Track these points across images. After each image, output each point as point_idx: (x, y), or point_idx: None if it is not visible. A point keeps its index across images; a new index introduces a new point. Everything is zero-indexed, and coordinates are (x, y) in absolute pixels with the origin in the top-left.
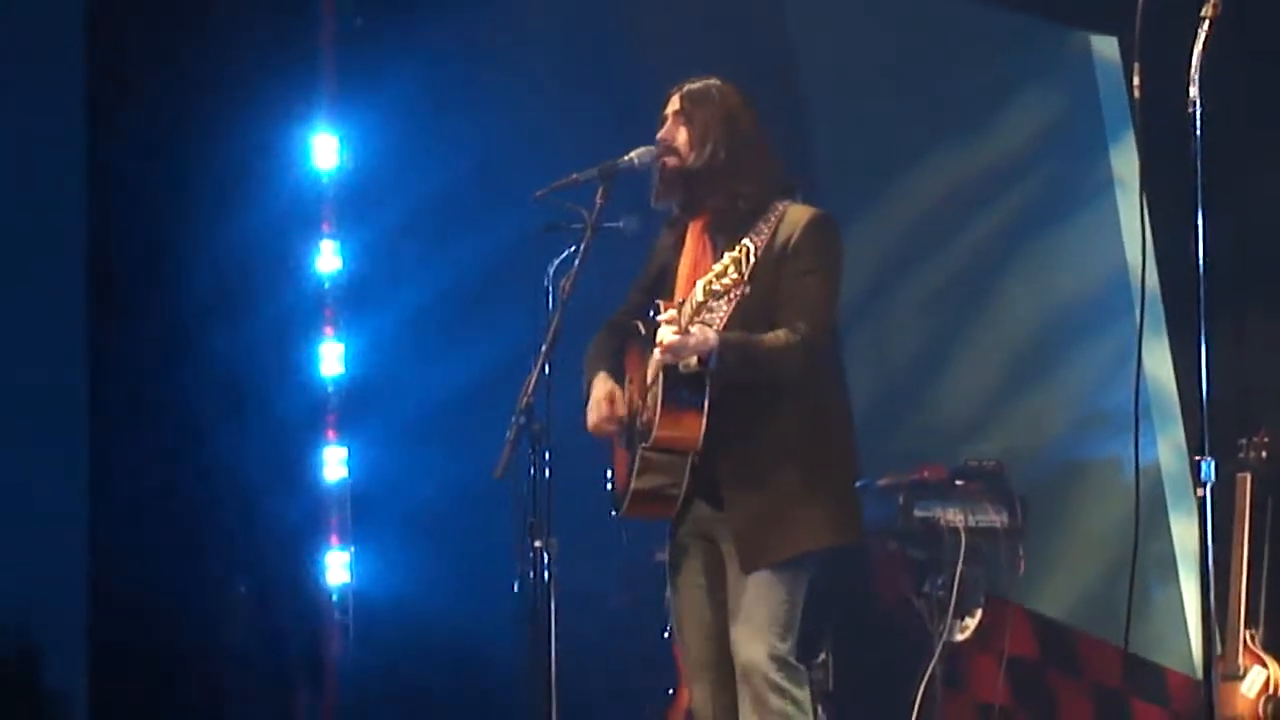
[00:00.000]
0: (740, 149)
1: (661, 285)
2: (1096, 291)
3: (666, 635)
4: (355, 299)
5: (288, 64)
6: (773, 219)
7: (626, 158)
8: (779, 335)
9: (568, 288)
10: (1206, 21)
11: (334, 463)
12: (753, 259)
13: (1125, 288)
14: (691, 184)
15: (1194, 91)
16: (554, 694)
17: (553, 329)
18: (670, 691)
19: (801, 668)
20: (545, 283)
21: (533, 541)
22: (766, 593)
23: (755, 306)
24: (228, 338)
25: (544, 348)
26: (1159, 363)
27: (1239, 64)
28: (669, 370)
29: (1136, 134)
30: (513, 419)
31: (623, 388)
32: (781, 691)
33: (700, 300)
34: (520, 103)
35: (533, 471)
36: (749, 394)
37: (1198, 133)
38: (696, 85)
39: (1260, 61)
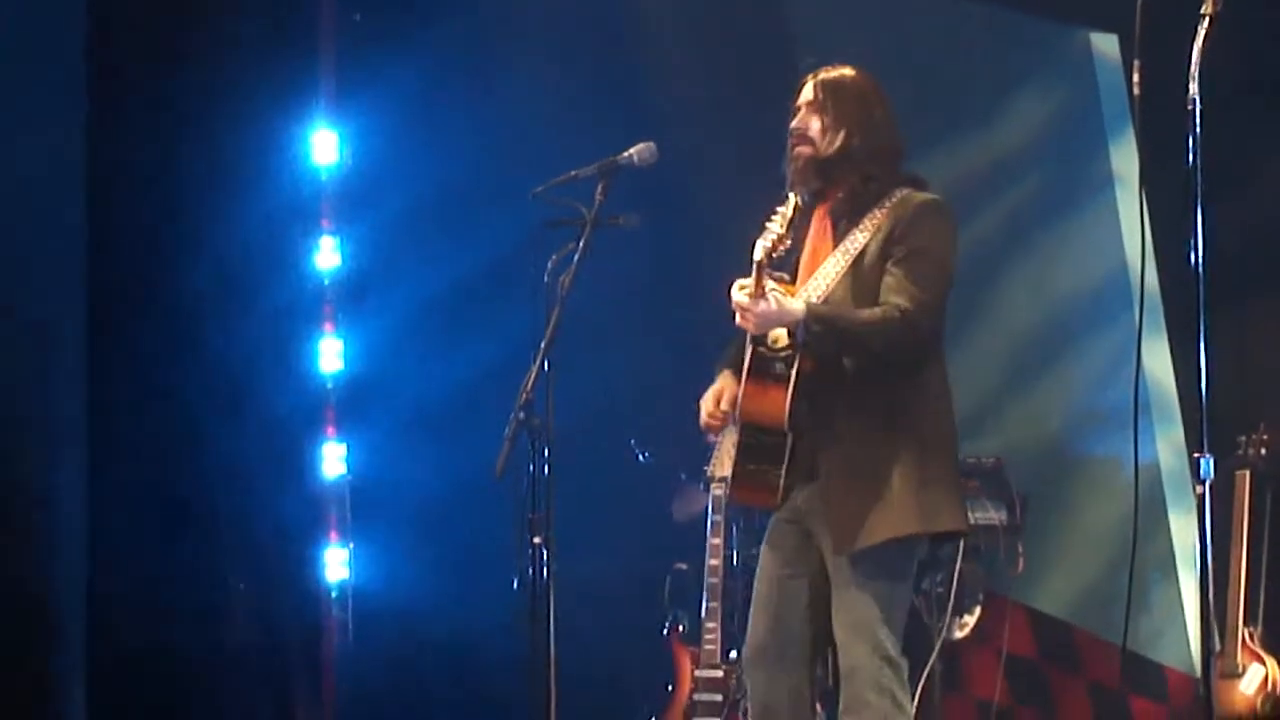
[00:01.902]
0: (872, 136)
1: (792, 275)
2: (1096, 289)
3: (665, 631)
4: (354, 295)
5: (287, 60)
6: (888, 203)
7: (626, 154)
8: (876, 310)
9: (567, 284)
10: (1206, 19)
11: (333, 459)
12: (791, 213)
13: (1125, 285)
14: (825, 171)
15: (1194, 89)
16: (553, 690)
17: (552, 325)
18: (669, 688)
19: (902, 661)
20: (545, 279)
21: (532, 538)
22: (868, 583)
23: (864, 286)
24: (227, 334)
25: (543, 344)
26: (1158, 360)
27: (1239, 61)
28: (756, 344)
29: (1136, 131)
30: (512, 415)
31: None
32: (880, 689)
33: (759, 260)
34: (519, 99)
35: (532, 468)
36: (849, 370)
37: (1197, 130)
38: (831, 74)
39: (1260, 59)
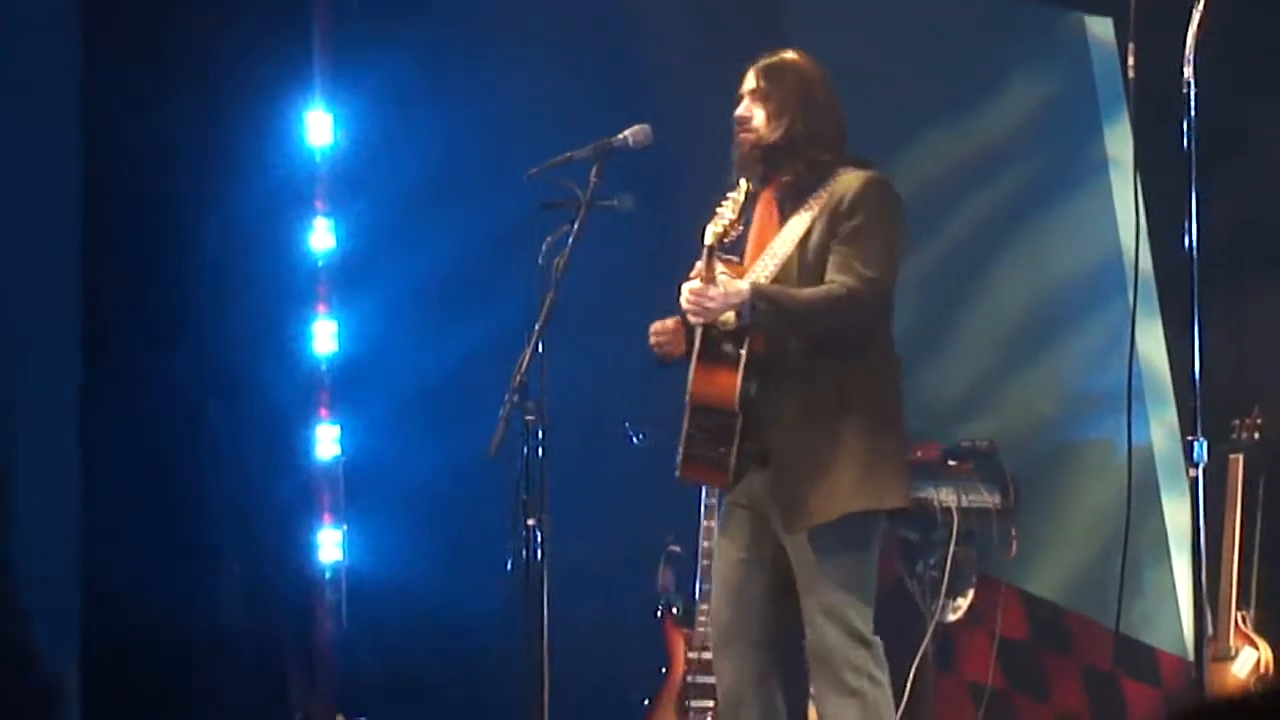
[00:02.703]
0: (816, 120)
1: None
2: (1091, 272)
3: (659, 614)
4: (349, 277)
5: (282, 41)
6: (832, 183)
7: (621, 136)
8: (819, 289)
9: (561, 266)
10: (1201, 2)
11: (327, 441)
12: (742, 199)
13: (1119, 268)
14: (770, 157)
15: (1188, 72)
16: (546, 672)
17: (546, 307)
18: (663, 670)
19: (876, 640)
20: (539, 261)
21: (525, 520)
22: (829, 560)
23: (810, 265)
24: (221, 315)
25: (537, 326)
26: (1152, 344)
27: (1233, 45)
28: (707, 326)
29: (1131, 115)
30: (506, 397)
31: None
32: (856, 669)
33: (709, 244)
34: (515, 80)
35: (526, 450)
36: (797, 349)
37: (1192, 114)
38: (772, 61)
39: (1254, 42)
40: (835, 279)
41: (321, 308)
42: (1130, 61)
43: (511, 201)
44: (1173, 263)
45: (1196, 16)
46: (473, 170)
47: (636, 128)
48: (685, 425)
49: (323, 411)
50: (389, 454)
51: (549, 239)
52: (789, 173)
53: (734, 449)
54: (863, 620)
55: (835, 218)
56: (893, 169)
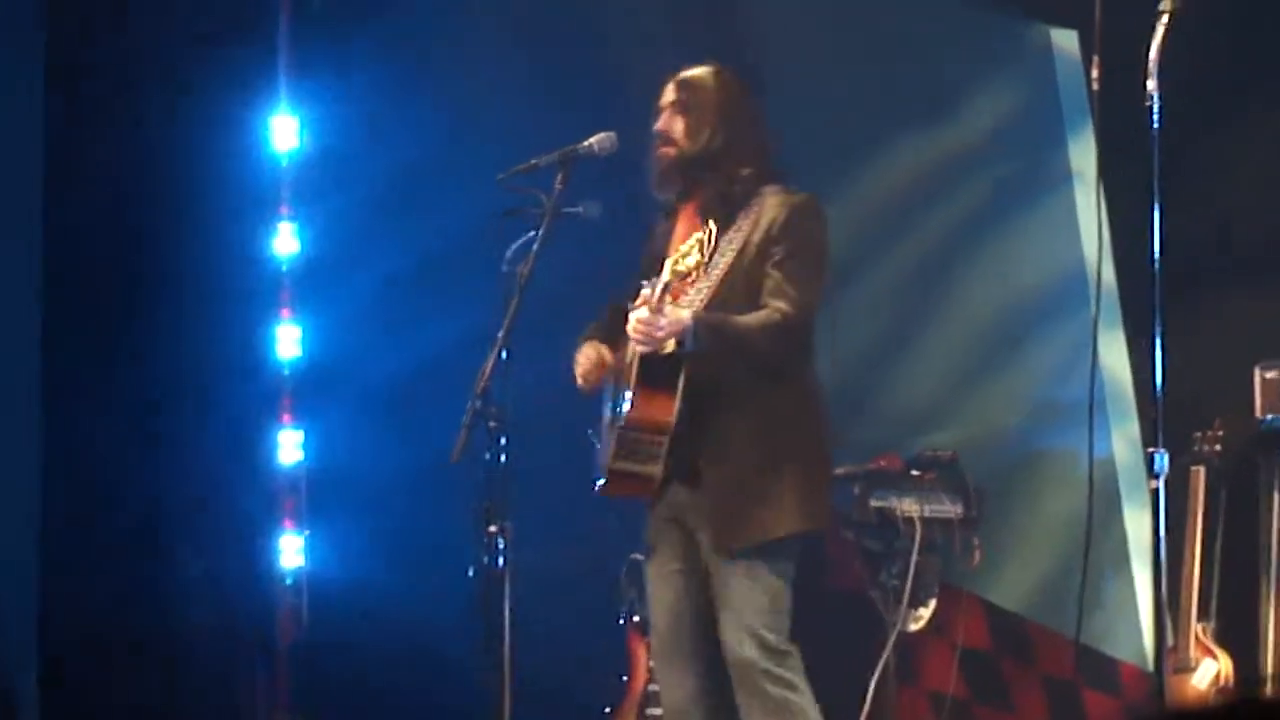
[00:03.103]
0: (737, 133)
1: (652, 271)
2: (1054, 284)
3: (621, 622)
4: (313, 282)
5: (247, 46)
6: (761, 202)
7: (587, 143)
8: (759, 315)
9: (526, 273)
10: (1165, 15)
11: (289, 446)
12: (713, 242)
13: (1083, 280)
14: (689, 171)
15: (1152, 85)
16: (507, 679)
17: (510, 314)
18: (624, 678)
19: (792, 649)
20: (503, 267)
21: (488, 526)
22: (749, 580)
23: (739, 289)
24: (185, 320)
25: (501, 333)
26: (1115, 355)
27: (1197, 58)
28: (642, 351)
29: (1095, 127)
30: (469, 403)
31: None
32: (775, 678)
33: (667, 280)
34: (480, 86)
35: (488, 456)
36: (731, 375)
37: (1155, 127)
38: (692, 73)
39: (1218, 56)
40: (770, 303)
41: (285, 312)
42: (1094, 74)
43: (476, 208)
44: (1135, 275)
45: (1160, 30)
46: (437, 176)
47: (602, 135)
48: (614, 443)
49: (285, 417)
50: (352, 459)
51: (513, 245)
52: (709, 186)
53: (661, 465)
54: (778, 633)
55: (767, 240)
56: (855, 179)
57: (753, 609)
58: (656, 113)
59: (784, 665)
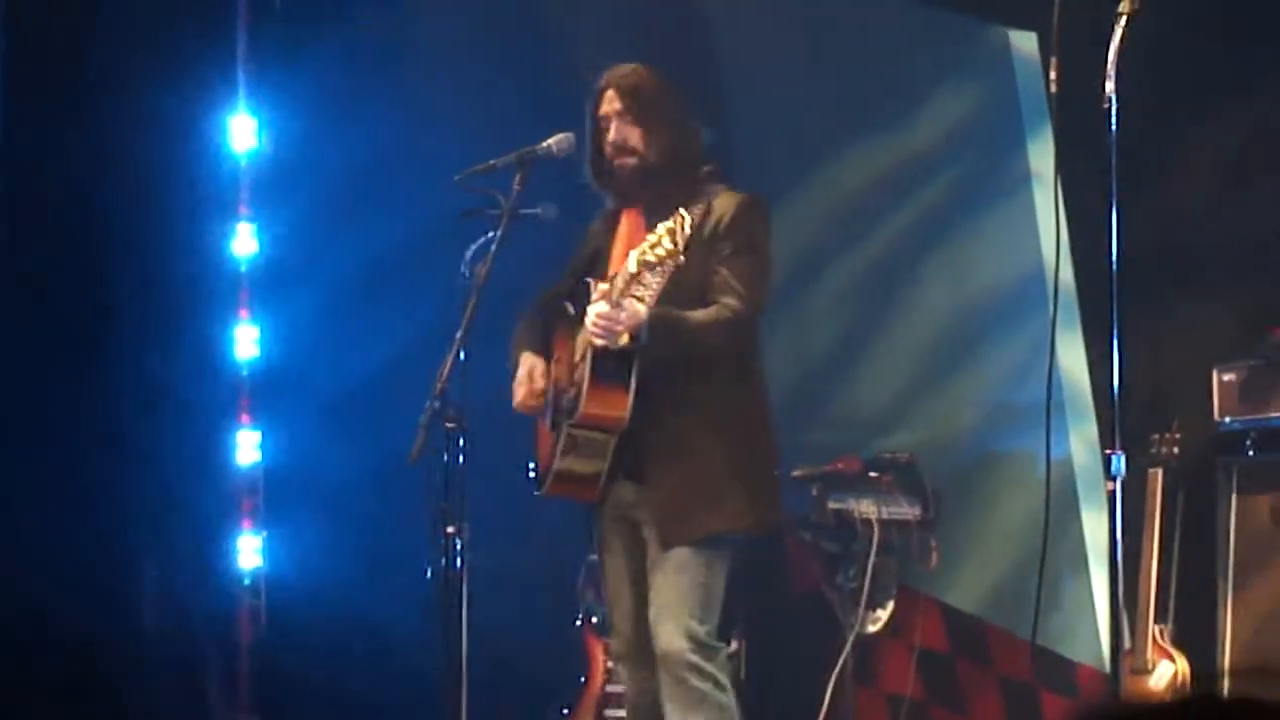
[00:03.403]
0: (685, 133)
1: (594, 269)
2: (1012, 285)
3: (578, 623)
4: (271, 282)
5: (205, 46)
6: (705, 201)
7: (545, 144)
8: (709, 311)
9: (483, 274)
10: (1123, 18)
11: (248, 446)
12: (688, 229)
13: (1041, 282)
14: (654, 179)
15: (1110, 87)
16: (465, 680)
17: (468, 315)
18: (582, 679)
19: (721, 646)
20: (461, 268)
21: (445, 528)
22: (683, 573)
23: (688, 287)
24: (142, 321)
25: (459, 333)
26: (1073, 357)
27: (1155, 60)
28: (596, 346)
29: (1054, 129)
30: (427, 404)
31: (549, 366)
32: (700, 672)
33: (633, 272)
34: (439, 87)
35: (446, 457)
36: (679, 371)
37: (1113, 128)
38: (630, 79)
39: (1175, 58)
40: (720, 300)
41: (244, 313)
42: (1053, 76)
43: (434, 209)
44: (1094, 277)
45: (1119, 32)
46: (396, 177)
47: (560, 136)
48: (560, 443)
49: (244, 417)
50: (310, 460)
51: (471, 247)
52: (668, 191)
53: (607, 465)
54: (706, 626)
55: (715, 238)
56: (814, 179)
57: (682, 601)
58: (599, 118)
59: (711, 660)
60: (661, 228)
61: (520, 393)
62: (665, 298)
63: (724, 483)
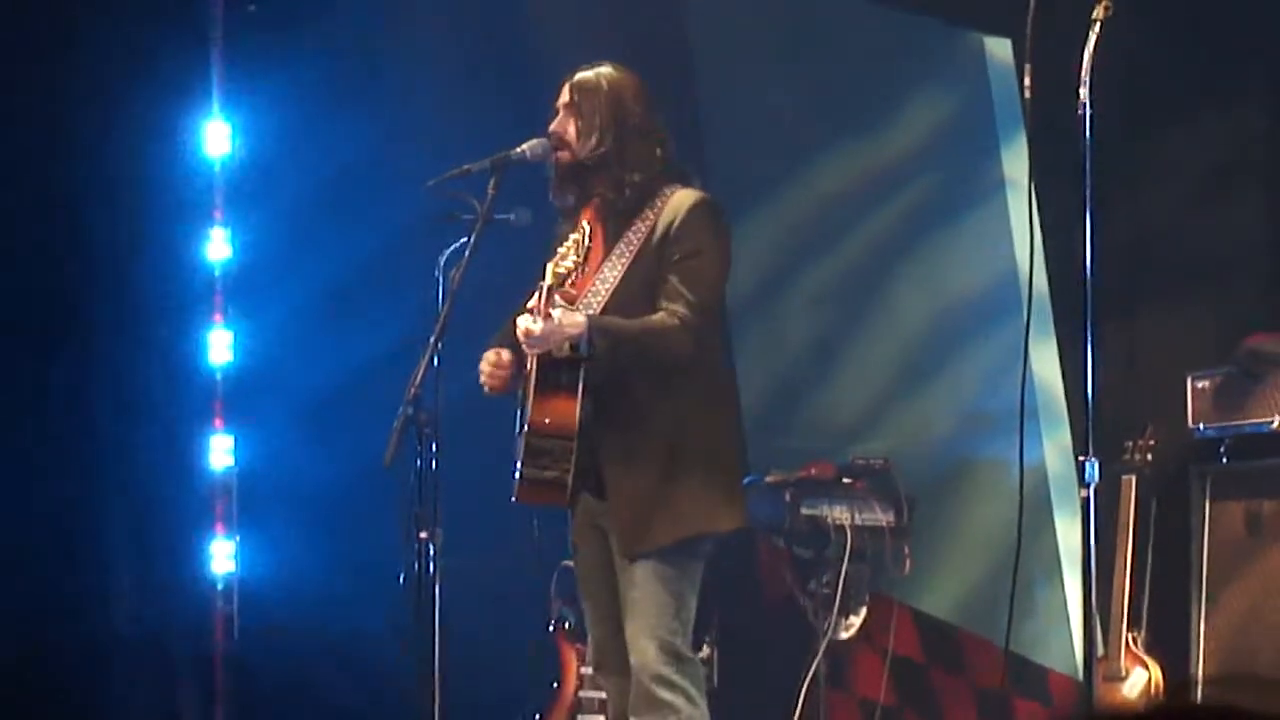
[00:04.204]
0: (626, 137)
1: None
2: (986, 292)
3: (551, 628)
4: (245, 287)
5: (179, 50)
6: (659, 204)
7: (519, 149)
8: (656, 318)
9: (458, 278)
10: (1097, 24)
11: (221, 451)
12: (588, 241)
13: (1015, 288)
14: (581, 175)
15: (1084, 93)
16: (438, 685)
17: (442, 319)
18: (555, 684)
19: (694, 658)
20: (435, 273)
21: (418, 532)
22: (652, 584)
23: (639, 290)
24: (116, 325)
25: (433, 338)
26: (1046, 364)
27: (1129, 67)
28: (543, 355)
29: (1028, 136)
30: (400, 409)
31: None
32: (670, 685)
33: (549, 284)
34: (413, 91)
35: (419, 462)
36: (630, 378)
37: (1087, 135)
38: (586, 75)
39: (1150, 65)
40: (666, 307)
41: (217, 317)
42: (1027, 82)
43: (408, 213)
44: (1068, 283)
45: (1093, 39)
46: (370, 181)
47: (534, 141)
48: (521, 451)
49: (217, 421)
50: (283, 465)
51: (445, 251)
52: (598, 192)
53: (571, 468)
54: (680, 637)
55: (665, 241)
56: (788, 185)
57: (653, 611)
58: (553, 113)
59: (681, 672)
60: (571, 239)
61: (483, 374)
62: (616, 305)
63: (682, 489)
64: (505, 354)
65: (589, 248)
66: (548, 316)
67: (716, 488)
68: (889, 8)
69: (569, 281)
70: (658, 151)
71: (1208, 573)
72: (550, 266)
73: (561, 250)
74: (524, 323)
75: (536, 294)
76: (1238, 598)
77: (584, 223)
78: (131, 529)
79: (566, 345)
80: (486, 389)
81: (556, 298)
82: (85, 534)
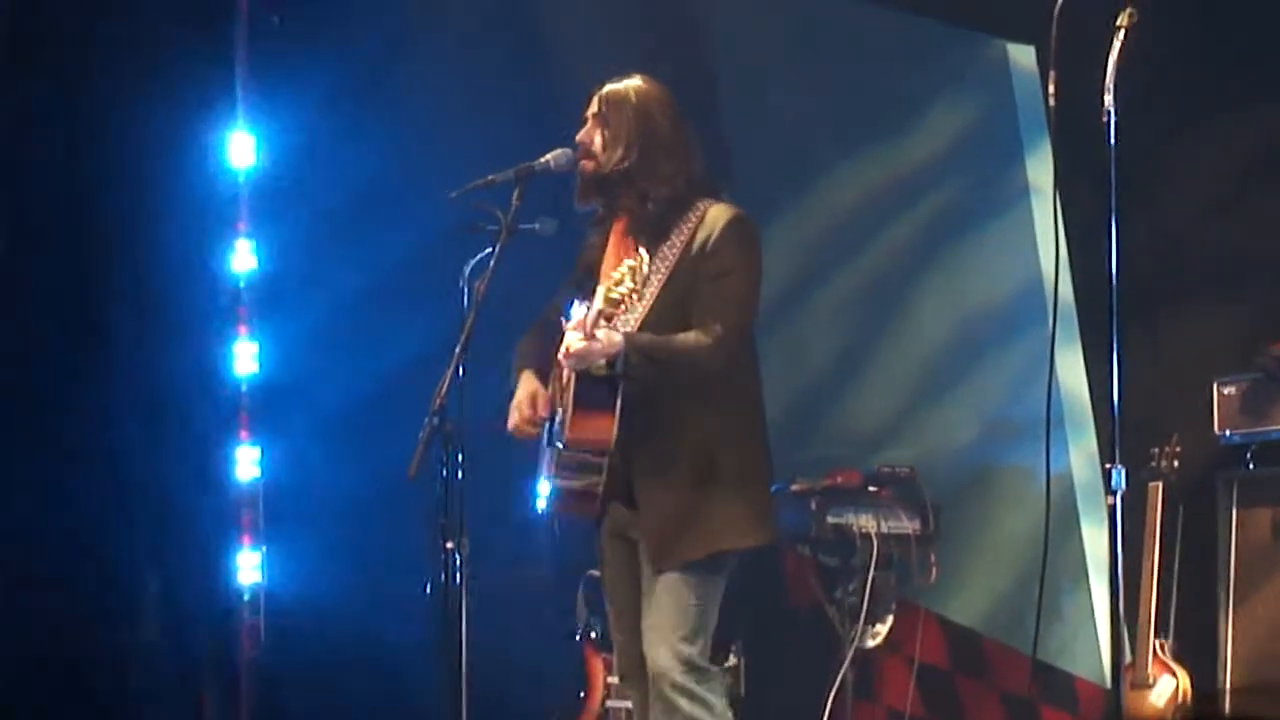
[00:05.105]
0: (653, 150)
1: (589, 282)
2: (1011, 299)
3: (578, 638)
4: (270, 298)
5: (205, 62)
6: (693, 219)
7: (543, 160)
8: (690, 336)
9: (482, 289)
10: (1121, 31)
11: (247, 462)
12: (645, 270)
13: (1040, 295)
14: (606, 186)
15: (1108, 100)
16: (464, 695)
17: (467, 330)
18: (581, 694)
19: (714, 669)
20: (460, 284)
21: (444, 543)
22: (674, 594)
23: (673, 306)
24: (142, 336)
25: (458, 349)
26: (1072, 371)
27: (1154, 73)
28: (580, 371)
29: (1052, 142)
30: (426, 420)
31: (548, 386)
32: (690, 695)
33: (600, 307)
34: (437, 102)
35: (445, 472)
36: (664, 395)
37: (1112, 141)
38: (615, 86)
39: (1174, 71)
40: (703, 323)
41: (243, 329)
42: (1051, 89)
43: (433, 224)
44: (1093, 290)
45: (1117, 45)
46: (395, 192)
47: (558, 151)
48: (554, 463)
49: (243, 433)
50: (309, 475)
51: (470, 262)
52: (624, 205)
53: (603, 481)
54: (698, 648)
55: (701, 256)
56: (813, 193)
57: (675, 622)
58: (581, 122)
59: (701, 683)
60: (625, 265)
61: (515, 418)
62: (653, 321)
63: (713, 504)
64: (540, 403)
65: (646, 276)
66: (592, 336)
67: (748, 503)
68: (913, 16)
69: (622, 307)
70: (686, 166)
71: (1235, 579)
72: (603, 290)
73: (616, 275)
74: (568, 342)
75: (585, 312)
76: (1265, 603)
77: (640, 250)
78: (158, 540)
79: (603, 362)
80: (515, 434)
81: (602, 320)
82: (112, 545)
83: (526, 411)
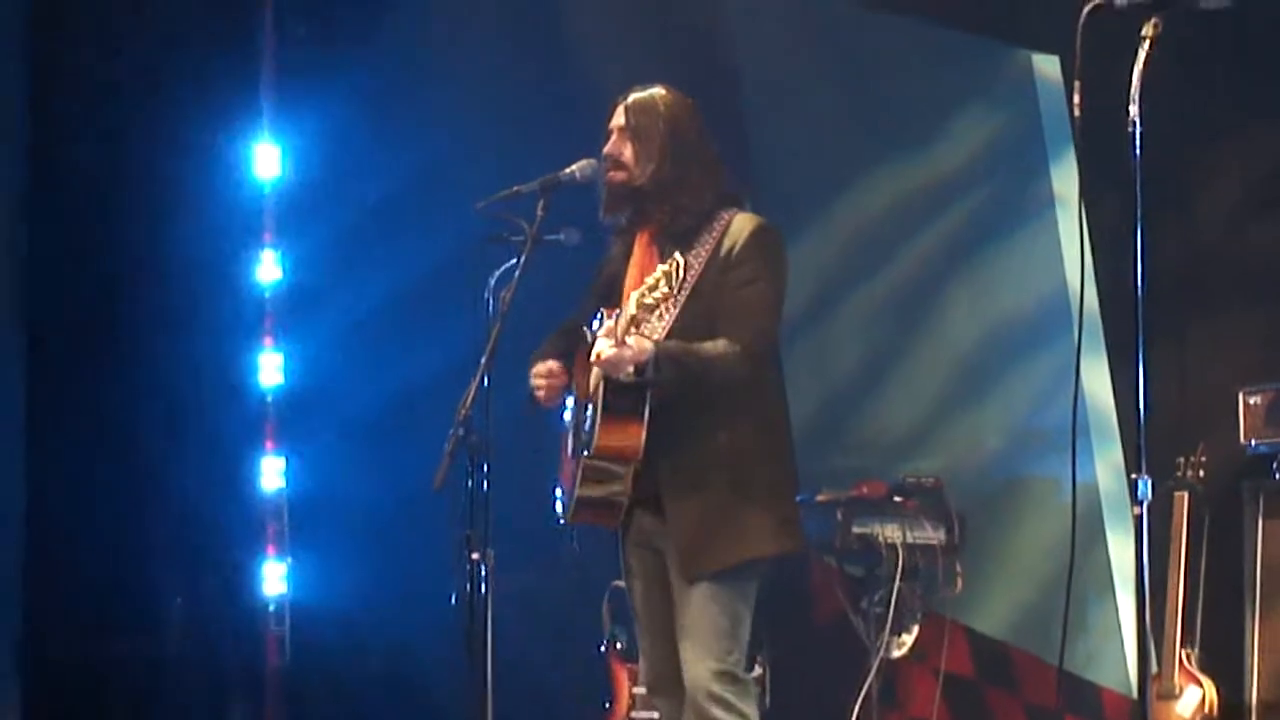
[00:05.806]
0: (685, 162)
1: (611, 293)
2: (1036, 309)
3: (603, 648)
4: (295, 309)
5: (230, 73)
6: (717, 229)
7: (568, 170)
8: (718, 345)
9: (507, 299)
10: (1147, 41)
11: (272, 473)
12: (682, 273)
13: (1065, 305)
14: (638, 199)
15: (1134, 110)
16: (490, 706)
17: (492, 340)
18: (607, 705)
19: (749, 679)
20: (485, 294)
21: (470, 553)
22: (709, 604)
23: (699, 315)
24: (167, 347)
25: (483, 359)
26: (1098, 381)
27: (1179, 84)
28: (609, 379)
29: (1077, 153)
30: (451, 430)
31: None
32: (728, 706)
33: (633, 313)
34: (462, 113)
35: (470, 483)
36: (691, 403)
37: (1137, 152)
38: (641, 96)
39: (1200, 81)
40: (728, 334)
41: (268, 340)
42: (1076, 99)
43: (458, 235)
44: (1118, 300)
45: (1142, 55)
46: (420, 203)
47: (583, 162)
48: (579, 473)
49: (268, 443)
50: (334, 486)
51: (495, 273)
52: (656, 218)
53: (626, 489)
54: (733, 658)
55: (727, 265)
56: (838, 204)
57: (709, 632)
58: (607, 135)
59: (736, 692)
60: (659, 270)
61: (540, 388)
62: (679, 329)
63: (741, 512)
64: (555, 364)
65: (684, 280)
66: (623, 343)
67: (777, 511)
68: (937, 26)
69: (656, 313)
70: (714, 176)
71: (1261, 589)
72: (636, 295)
73: (650, 281)
74: (599, 348)
75: (614, 318)
76: None
77: (676, 254)
78: (184, 550)
79: (632, 369)
80: (543, 401)
81: (632, 327)
82: (138, 555)
83: (541, 373)
